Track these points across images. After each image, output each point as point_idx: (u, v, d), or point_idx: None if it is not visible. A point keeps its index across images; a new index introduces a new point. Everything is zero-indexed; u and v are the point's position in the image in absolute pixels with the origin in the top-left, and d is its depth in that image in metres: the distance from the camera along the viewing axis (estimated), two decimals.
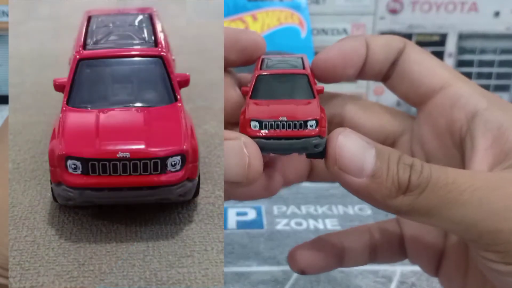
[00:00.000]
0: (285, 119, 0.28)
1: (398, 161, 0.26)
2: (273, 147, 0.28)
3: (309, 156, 0.29)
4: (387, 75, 0.34)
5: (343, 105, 0.35)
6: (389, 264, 0.56)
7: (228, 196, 0.33)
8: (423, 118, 0.33)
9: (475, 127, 0.30)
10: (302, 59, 0.34)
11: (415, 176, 0.26)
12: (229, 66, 0.34)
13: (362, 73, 0.34)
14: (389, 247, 0.36)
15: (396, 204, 0.26)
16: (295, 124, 0.28)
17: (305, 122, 0.28)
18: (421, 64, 0.33)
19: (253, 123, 0.28)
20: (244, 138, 0.27)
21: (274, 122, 0.28)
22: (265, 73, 0.32)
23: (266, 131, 0.28)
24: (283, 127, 0.28)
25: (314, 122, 0.28)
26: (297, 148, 0.28)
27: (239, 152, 0.26)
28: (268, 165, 0.33)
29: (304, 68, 0.32)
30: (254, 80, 0.31)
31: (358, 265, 0.37)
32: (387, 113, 0.35)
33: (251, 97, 0.30)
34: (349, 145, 0.27)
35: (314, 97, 0.30)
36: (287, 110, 0.28)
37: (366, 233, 0.37)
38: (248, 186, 0.27)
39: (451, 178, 0.26)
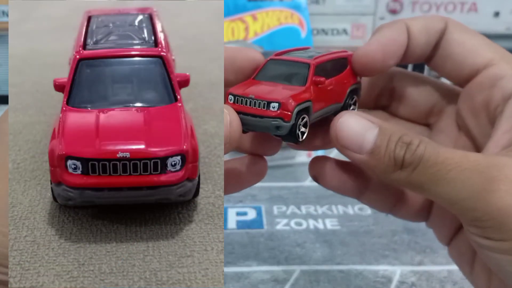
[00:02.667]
0: (253, 97, 0.30)
1: (398, 140, 0.29)
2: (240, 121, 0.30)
3: (284, 140, 0.31)
4: (429, 56, 0.34)
5: (392, 77, 0.36)
6: (390, 264, 0.57)
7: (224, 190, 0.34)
8: (464, 95, 0.34)
9: (505, 109, 0.31)
10: (331, 52, 0.34)
11: (409, 154, 0.28)
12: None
13: (404, 58, 0.34)
14: (416, 205, 0.37)
15: (394, 178, 0.29)
16: (259, 103, 0.30)
17: (268, 102, 0.30)
18: (464, 44, 0.33)
19: (230, 97, 0.31)
20: (225, 105, 0.30)
21: (244, 98, 0.30)
22: (275, 59, 0.33)
23: (237, 105, 0.30)
24: (250, 104, 0.30)
25: (276, 104, 0.29)
26: (259, 126, 0.30)
27: (224, 114, 0.29)
28: (252, 151, 0.35)
29: (314, 58, 0.33)
30: (263, 64, 0.33)
31: (376, 208, 0.37)
32: (433, 84, 0.36)
33: (253, 78, 0.33)
34: (350, 125, 0.30)
35: (305, 85, 0.31)
36: (261, 90, 0.31)
37: None
38: (232, 147, 0.29)
39: (441, 157, 0.28)
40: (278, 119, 0.29)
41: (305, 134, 0.31)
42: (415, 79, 0.36)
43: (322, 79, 0.32)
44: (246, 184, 0.35)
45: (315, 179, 0.36)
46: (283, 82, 0.32)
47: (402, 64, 0.34)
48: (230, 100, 0.31)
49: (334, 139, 0.31)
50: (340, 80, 0.33)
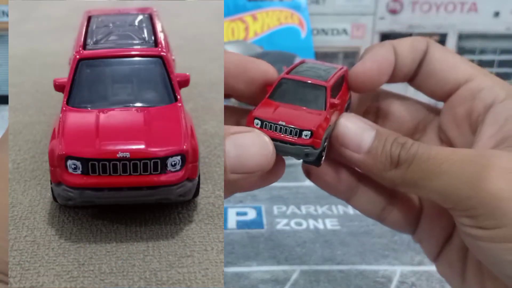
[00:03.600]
0: (284, 123, 0.30)
1: (394, 140, 0.31)
2: None
3: (305, 162, 0.32)
4: (413, 75, 0.36)
5: (377, 96, 0.38)
6: (389, 264, 0.57)
7: (233, 190, 0.32)
8: (446, 108, 0.36)
9: (488, 116, 0.32)
10: (336, 69, 0.34)
11: (404, 152, 0.30)
12: (237, 96, 0.35)
13: (392, 77, 0.35)
14: (404, 214, 0.37)
15: (390, 177, 0.31)
16: (291, 130, 0.29)
17: (301, 131, 0.29)
18: (445, 62, 0.35)
19: (256, 121, 0.30)
20: (259, 131, 0.29)
21: (273, 124, 0.30)
22: (288, 78, 0.33)
23: (265, 130, 0.30)
24: (280, 131, 0.30)
25: (309, 132, 0.29)
26: (289, 153, 0.30)
27: (261, 141, 0.29)
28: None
29: (327, 80, 0.33)
30: (277, 82, 0.33)
31: (363, 211, 0.37)
32: (416, 104, 0.38)
33: (268, 97, 0.32)
34: (349, 126, 0.32)
35: (325, 109, 0.31)
36: (289, 116, 0.30)
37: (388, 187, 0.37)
38: (264, 173, 0.29)
39: (433, 153, 0.29)
40: (309, 147, 0.30)
41: (323, 158, 0.32)
42: (399, 98, 0.38)
43: (337, 101, 0.32)
44: (265, 183, 0.34)
45: (307, 174, 0.36)
46: (303, 105, 0.32)
47: (390, 83, 0.36)
48: (257, 124, 0.30)
49: (334, 139, 0.32)
50: (341, 96, 0.34)
